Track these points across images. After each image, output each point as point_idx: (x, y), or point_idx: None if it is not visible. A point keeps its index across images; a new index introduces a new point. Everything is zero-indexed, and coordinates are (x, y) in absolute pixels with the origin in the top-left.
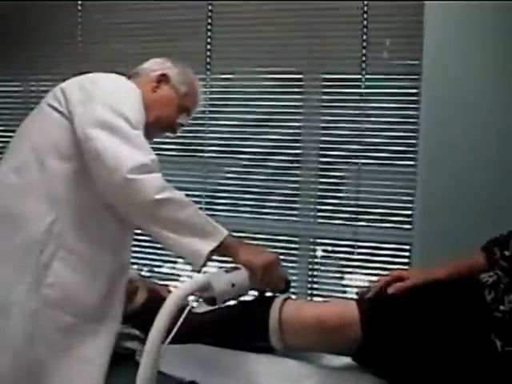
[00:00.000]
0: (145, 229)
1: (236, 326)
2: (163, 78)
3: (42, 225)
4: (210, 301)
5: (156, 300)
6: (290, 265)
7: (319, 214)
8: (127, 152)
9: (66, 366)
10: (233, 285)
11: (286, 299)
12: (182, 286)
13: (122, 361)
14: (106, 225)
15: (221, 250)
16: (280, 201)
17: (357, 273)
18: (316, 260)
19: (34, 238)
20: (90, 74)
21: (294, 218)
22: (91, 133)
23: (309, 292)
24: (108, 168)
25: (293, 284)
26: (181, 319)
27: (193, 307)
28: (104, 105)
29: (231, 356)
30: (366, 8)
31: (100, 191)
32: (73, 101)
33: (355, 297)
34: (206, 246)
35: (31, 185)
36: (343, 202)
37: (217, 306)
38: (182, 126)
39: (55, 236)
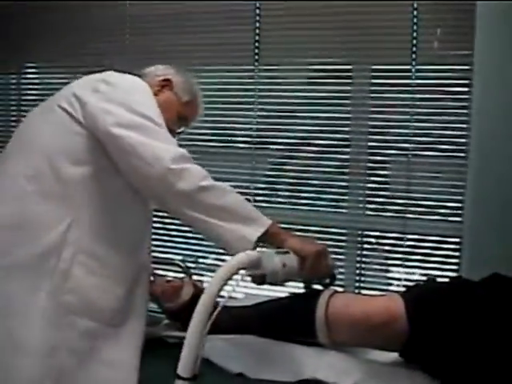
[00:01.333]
0: (188, 219)
1: (282, 320)
2: (167, 84)
3: (59, 230)
4: (260, 279)
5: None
6: (338, 257)
7: (368, 205)
8: (163, 145)
9: (90, 371)
10: (284, 265)
11: (332, 293)
12: (234, 258)
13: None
14: (123, 226)
15: (268, 237)
16: (330, 193)
17: (404, 265)
18: (364, 252)
19: (51, 243)
20: (101, 74)
21: (343, 210)
22: (118, 132)
23: (356, 285)
24: (147, 160)
25: (341, 276)
26: (222, 303)
27: (242, 282)
28: (123, 106)
29: (278, 347)
30: None
31: (137, 186)
32: (90, 104)
33: (401, 289)
34: (253, 232)
35: (47, 192)
36: (392, 193)
37: (263, 300)
38: (179, 134)
39: (72, 241)
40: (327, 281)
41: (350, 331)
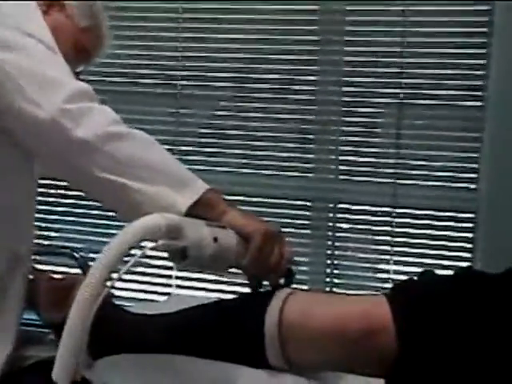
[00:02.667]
0: (92, 185)
1: (218, 334)
2: (54, 3)
3: None
4: (179, 254)
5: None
6: (302, 241)
7: (342, 167)
8: (57, 76)
9: None
10: (215, 240)
11: (289, 294)
12: (141, 220)
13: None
14: None
15: (203, 207)
16: (287, 149)
17: (393, 252)
18: (337, 234)
19: None
20: None
21: (307, 174)
22: None
23: (326, 280)
24: (34, 98)
25: (305, 269)
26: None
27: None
28: (3, 25)
29: (211, 371)
30: None
31: (22, 140)
32: None
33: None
34: (183, 199)
35: None
36: (377, 151)
37: (194, 304)
38: (78, 74)
39: None
40: (281, 281)
41: (314, 348)
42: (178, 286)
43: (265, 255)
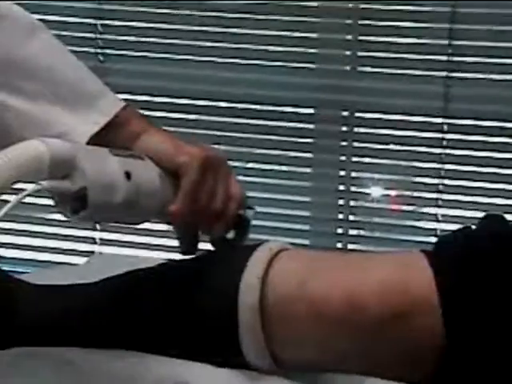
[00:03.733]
0: None
1: (160, 317)
2: None
3: None
4: (73, 201)
5: None
6: (300, 171)
7: (361, 53)
8: None
9: None
10: (128, 175)
11: (276, 253)
12: (11, 151)
13: None
14: None
15: (112, 131)
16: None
17: (445, 190)
18: (355, 160)
19: None
20: None
21: (310, 65)
22: None
23: (338, 231)
24: None
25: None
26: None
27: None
28: None
29: (149, 368)
30: None
31: None
32: None
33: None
34: (84, 126)
35: None
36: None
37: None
38: None
39: None
40: (230, 235)
41: (314, 339)
42: (104, 242)
43: (204, 196)
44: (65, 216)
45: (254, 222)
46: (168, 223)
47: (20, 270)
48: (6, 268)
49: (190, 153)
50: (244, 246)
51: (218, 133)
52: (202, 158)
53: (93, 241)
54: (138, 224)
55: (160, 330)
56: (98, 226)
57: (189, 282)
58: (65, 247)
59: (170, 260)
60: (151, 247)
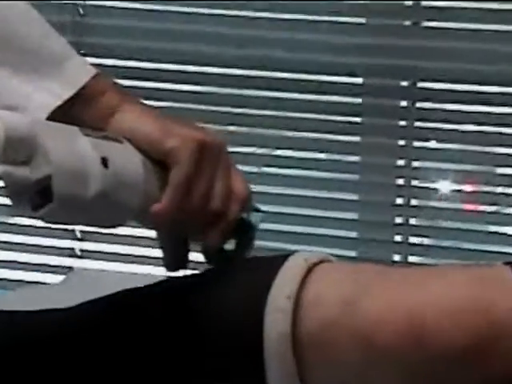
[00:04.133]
0: None
1: (165, 348)
2: None
3: None
4: (34, 192)
5: None
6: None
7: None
8: None
9: None
10: (104, 162)
11: (313, 265)
12: None
13: None
14: None
15: (81, 106)
16: None
17: None
18: (417, 145)
19: None
20: None
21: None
22: None
23: (396, 239)
24: None
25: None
26: None
27: None
28: None
29: None
30: None
31: None
32: None
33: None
34: (44, 97)
35: None
36: None
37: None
38: None
39: None
40: (229, 244)
41: (359, 374)
42: (86, 254)
43: (198, 193)
44: (22, 214)
45: (279, 227)
46: (151, 227)
47: None
48: None
49: (181, 136)
50: (269, 258)
51: (231, 110)
52: (196, 143)
53: (71, 252)
54: (112, 227)
55: (162, 368)
56: (78, 233)
57: (196, 304)
58: (34, 261)
59: (169, 277)
60: (147, 260)
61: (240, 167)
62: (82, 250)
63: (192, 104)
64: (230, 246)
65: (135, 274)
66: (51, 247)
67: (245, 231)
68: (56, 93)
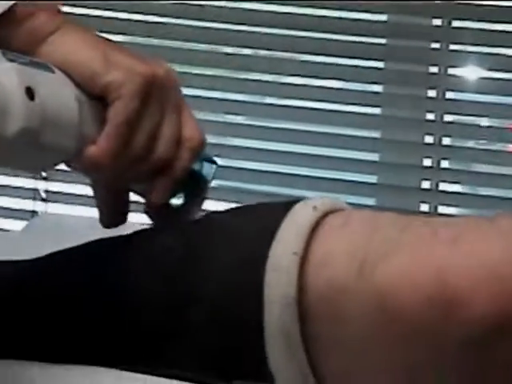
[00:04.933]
0: None
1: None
2: None
3: None
4: None
5: None
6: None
7: None
8: None
9: None
10: (29, 91)
11: (324, 215)
12: None
13: None
14: None
15: (9, 32)
16: None
17: None
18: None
19: None
20: None
21: None
22: None
23: (423, 185)
24: None
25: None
26: None
27: None
28: None
29: None
30: None
31: None
32: None
33: None
34: None
35: None
36: None
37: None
38: None
39: None
40: (177, 198)
41: (379, 347)
42: (53, 197)
43: (142, 135)
44: None
45: (282, 168)
46: (85, 174)
47: None
48: None
49: (125, 68)
50: (270, 205)
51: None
52: (142, 77)
53: (35, 194)
54: (36, 172)
55: (141, 337)
56: (43, 172)
57: (182, 260)
58: None
59: (149, 227)
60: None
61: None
62: (47, 192)
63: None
64: (178, 200)
65: None
66: (12, 187)
67: (195, 184)
68: None
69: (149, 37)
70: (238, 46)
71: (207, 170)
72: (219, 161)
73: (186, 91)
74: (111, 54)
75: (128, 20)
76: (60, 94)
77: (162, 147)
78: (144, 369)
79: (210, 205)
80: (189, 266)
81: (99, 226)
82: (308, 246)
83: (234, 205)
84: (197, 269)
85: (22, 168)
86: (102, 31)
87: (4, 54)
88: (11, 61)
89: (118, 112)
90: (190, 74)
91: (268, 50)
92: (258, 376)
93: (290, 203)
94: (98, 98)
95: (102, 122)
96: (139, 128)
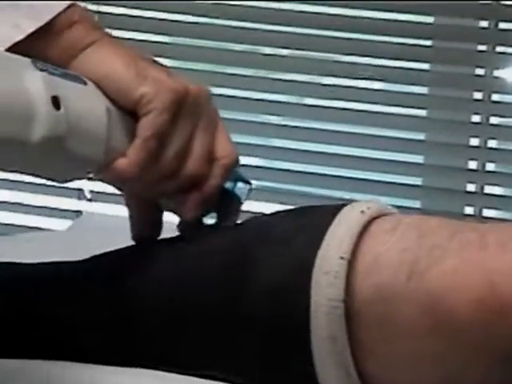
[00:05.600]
0: None
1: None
2: None
3: None
4: None
5: None
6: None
7: None
8: None
9: None
10: (55, 102)
11: (373, 219)
12: None
13: None
14: None
15: (46, 45)
16: None
17: None
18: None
19: None
20: None
21: None
22: None
23: (468, 188)
24: None
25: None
26: None
27: None
28: None
29: None
30: None
31: None
32: None
33: None
34: (8, 29)
35: None
36: None
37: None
38: None
39: None
40: (210, 217)
41: (428, 354)
42: (94, 196)
43: (172, 150)
44: None
45: (329, 170)
46: (115, 186)
47: None
48: None
49: (158, 82)
50: (318, 208)
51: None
52: (175, 92)
53: (80, 194)
54: (65, 181)
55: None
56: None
57: (230, 263)
58: (37, 204)
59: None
60: None
61: None
62: (92, 192)
63: None
64: (209, 219)
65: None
66: (56, 187)
67: (227, 204)
68: (19, 25)
69: (187, 37)
70: (276, 47)
71: (241, 189)
72: (260, 161)
73: (225, 91)
74: (144, 69)
75: (166, 20)
76: (89, 106)
77: (192, 163)
78: (182, 371)
79: (253, 206)
80: (236, 269)
81: None
82: (356, 250)
83: (276, 206)
84: (243, 271)
85: (47, 175)
86: (140, 31)
87: (35, 64)
88: (41, 70)
89: (147, 126)
90: (229, 74)
91: (309, 50)
92: (303, 380)
93: (337, 207)
94: (129, 111)
95: (132, 135)
96: (169, 143)
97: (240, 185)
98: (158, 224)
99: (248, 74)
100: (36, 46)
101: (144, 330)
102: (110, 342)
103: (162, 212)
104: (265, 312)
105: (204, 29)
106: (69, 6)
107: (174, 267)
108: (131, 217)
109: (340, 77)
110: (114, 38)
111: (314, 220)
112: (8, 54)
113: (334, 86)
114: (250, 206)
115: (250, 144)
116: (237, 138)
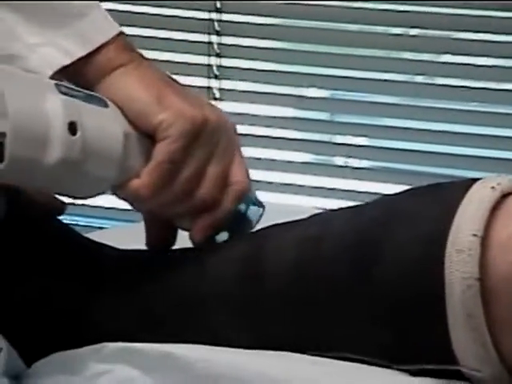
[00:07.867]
0: None
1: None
2: None
3: None
4: None
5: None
6: None
7: None
8: None
9: None
10: (71, 126)
11: (505, 195)
12: None
13: None
14: None
15: (80, 68)
16: None
17: None
18: None
19: None
20: None
21: None
22: None
23: None
24: None
25: None
26: None
27: None
28: None
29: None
30: None
31: None
32: None
33: None
34: (55, 53)
35: None
36: None
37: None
38: None
39: None
40: (222, 236)
41: None
42: None
43: (186, 175)
44: None
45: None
46: (130, 204)
47: (95, 224)
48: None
49: (177, 109)
50: (446, 186)
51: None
52: (193, 119)
53: None
54: (83, 198)
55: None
56: None
57: (359, 243)
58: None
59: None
60: (294, 189)
61: None
62: None
63: None
64: (222, 237)
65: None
66: None
67: (238, 225)
68: (67, 50)
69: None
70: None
71: (253, 212)
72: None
73: (337, 72)
74: (165, 95)
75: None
76: (107, 129)
77: (206, 188)
78: (314, 353)
79: (370, 186)
80: (366, 249)
81: (288, 211)
82: (489, 227)
83: (389, 185)
84: (373, 250)
85: (63, 194)
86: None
87: (57, 87)
88: (64, 94)
89: (162, 151)
90: (338, 54)
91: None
92: (440, 358)
93: (467, 183)
94: (148, 134)
95: (148, 157)
96: (183, 168)
97: (253, 208)
98: (172, 238)
99: (361, 53)
100: (73, 65)
101: (278, 312)
102: (240, 325)
103: (175, 229)
104: (399, 280)
105: (317, 10)
106: (118, 34)
107: (299, 252)
108: (147, 230)
109: (456, 54)
110: (144, 58)
111: (444, 197)
112: (34, 75)
113: (450, 63)
114: (372, 186)
115: (362, 124)
116: (351, 118)
